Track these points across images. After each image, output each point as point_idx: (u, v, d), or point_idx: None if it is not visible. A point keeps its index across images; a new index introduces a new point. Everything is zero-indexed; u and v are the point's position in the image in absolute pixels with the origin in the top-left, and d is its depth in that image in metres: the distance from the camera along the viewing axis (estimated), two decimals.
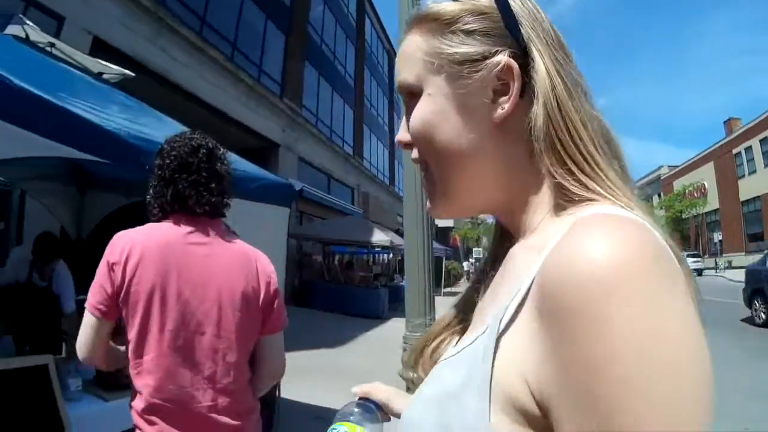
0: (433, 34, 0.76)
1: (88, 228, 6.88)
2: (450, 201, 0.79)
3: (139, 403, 1.86)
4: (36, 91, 2.87)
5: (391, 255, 26.98)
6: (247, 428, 2.03)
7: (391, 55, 39.71)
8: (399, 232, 24.32)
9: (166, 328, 1.84)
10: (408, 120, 0.80)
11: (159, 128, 4.05)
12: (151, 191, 2.03)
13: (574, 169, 0.68)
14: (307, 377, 7.43)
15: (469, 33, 0.73)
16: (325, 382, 7.54)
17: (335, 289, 19.44)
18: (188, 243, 1.95)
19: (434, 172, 0.78)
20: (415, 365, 0.93)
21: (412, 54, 0.78)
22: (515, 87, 0.71)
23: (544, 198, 0.73)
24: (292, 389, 6.10)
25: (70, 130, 3.05)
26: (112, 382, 3.41)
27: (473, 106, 0.73)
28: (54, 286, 4.92)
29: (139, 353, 1.86)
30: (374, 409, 1.04)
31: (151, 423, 1.84)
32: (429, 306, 4.04)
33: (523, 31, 0.72)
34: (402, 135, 0.83)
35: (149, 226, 1.99)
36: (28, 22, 5.30)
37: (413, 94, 0.78)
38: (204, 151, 2.07)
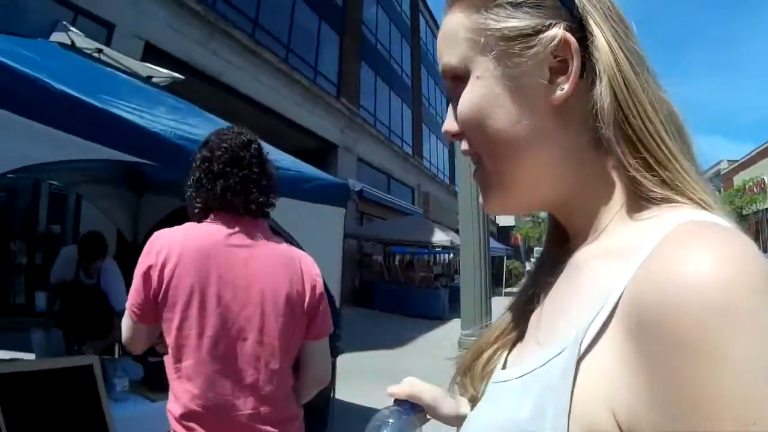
0: (476, 9, 0.68)
1: (144, 230, 6.76)
2: (505, 195, 0.72)
3: (177, 409, 1.81)
4: (77, 95, 2.87)
5: (451, 255, 26.72)
6: None
7: None
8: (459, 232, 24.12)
9: (205, 333, 1.78)
10: (454, 107, 0.74)
11: (208, 129, 3.82)
12: (194, 185, 1.96)
13: (651, 161, 0.62)
14: (364, 379, 7.26)
15: (516, 5, 0.66)
16: (382, 384, 7.10)
17: (395, 289, 19.40)
18: (230, 245, 1.87)
19: (487, 164, 0.71)
20: (465, 377, 0.87)
21: (455, 34, 0.71)
22: (574, 64, 0.64)
23: (612, 194, 0.67)
24: (348, 391, 5.94)
25: (112, 132, 3.02)
26: (160, 382, 3.14)
27: (528, 87, 0.65)
28: (102, 283, 4.87)
29: (178, 358, 1.80)
30: (412, 413, 0.99)
31: (189, 429, 1.78)
32: (485, 308, 3.90)
33: (577, 1, 0.65)
34: (449, 125, 0.75)
35: (189, 226, 1.93)
36: (72, 28, 5.28)
37: (459, 79, 0.71)
38: (255, 146, 2.03)
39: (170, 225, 4.94)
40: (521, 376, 0.63)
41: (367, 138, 22.70)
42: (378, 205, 21.74)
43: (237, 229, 1.90)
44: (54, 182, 7.42)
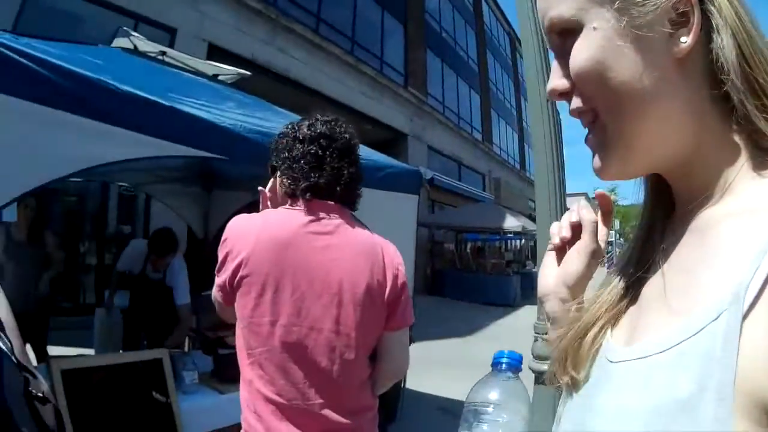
0: None
1: (215, 227, 6.94)
2: (628, 156, 0.68)
3: (247, 395, 1.82)
4: (142, 93, 2.92)
5: (523, 241, 26.46)
6: (363, 426, 1.90)
7: (512, 36, 38.89)
8: (531, 217, 24.51)
9: (279, 322, 1.74)
10: (562, 63, 0.70)
11: (278, 122, 3.91)
12: (294, 167, 1.88)
13: None
14: (435, 368, 7.13)
15: None
16: (452, 373, 7.15)
17: (467, 277, 19.31)
18: (309, 232, 1.81)
19: (607, 122, 0.66)
20: (565, 360, 0.78)
21: None
22: (696, 16, 0.61)
23: (734, 149, 0.65)
24: (418, 380, 5.92)
25: (181, 129, 3.07)
26: (230, 374, 3.35)
27: (650, 39, 0.62)
28: (167, 278, 4.95)
29: (250, 345, 1.78)
30: (516, 385, 0.97)
31: (258, 416, 1.77)
32: None
33: None
34: (557, 82, 0.70)
35: (267, 213, 1.93)
36: (134, 33, 5.35)
37: (569, 32, 0.67)
38: (356, 138, 2.01)
39: None
40: (666, 350, 0.58)
41: (436, 125, 22.56)
42: (449, 192, 21.73)
43: (318, 216, 1.84)
44: (123, 184, 7.64)
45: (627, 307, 0.76)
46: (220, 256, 1.82)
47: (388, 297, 1.88)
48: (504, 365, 1.01)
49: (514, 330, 12.06)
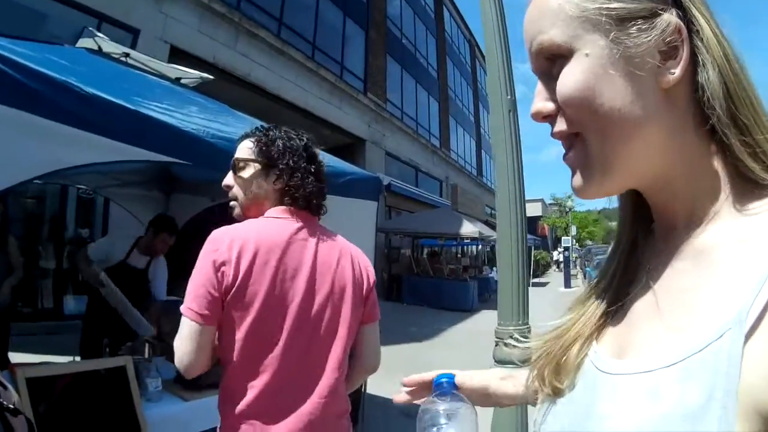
0: None
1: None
2: (610, 176, 0.69)
3: (238, 406, 1.75)
4: (108, 97, 2.88)
5: (480, 246, 26.63)
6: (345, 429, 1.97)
7: (472, 44, 39.30)
8: (488, 223, 25.01)
9: (284, 327, 1.77)
10: (547, 86, 0.72)
11: (240, 127, 3.81)
12: (295, 177, 1.93)
13: (758, 150, 0.64)
14: (395, 372, 6.88)
15: None
16: None
17: (424, 282, 19.28)
18: (300, 239, 1.88)
19: (593, 144, 0.68)
20: (550, 372, 0.81)
21: (560, 10, 0.68)
22: (685, 50, 0.65)
23: (719, 180, 0.67)
24: (378, 385, 5.77)
25: (146, 133, 3.04)
26: (193, 382, 3.22)
27: (641, 69, 0.64)
28: (151, 269, 5.00)
29: (250, 355, 1.75)
30: (461, 397, 1.02)
31: (251, 424, 1.73)
32: (523, 298, 3.84)
33: None
34: (542, 105, 0.72)
35: (256, 222, 1.90)
36: (99, 34, 5.28)
37: (558, 57, 0.69)
38: (316, 147, 2.09)
39: (199, 225, 5.82)
40: (672, 365, 0.61)
41: (395, 132, 22.68)
42: (406, 198, 21.74)
43: (302, 224, 1.91)
44: (81, 186, 7.42)
45: (612, 322, 0.79)
46: (210, 268, 1.71)
47: (364, 295, 2.01)
48: (445, 384, 1.11)
49: (472, 334, 12.22)
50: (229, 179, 2.03)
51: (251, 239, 1.76)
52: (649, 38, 0.64)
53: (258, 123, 4.57)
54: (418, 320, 14.57)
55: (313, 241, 1.90)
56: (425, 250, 23.97)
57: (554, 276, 37.12)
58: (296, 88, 15.32)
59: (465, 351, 9.85)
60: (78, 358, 4.60)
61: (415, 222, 20.36)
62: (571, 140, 0.71)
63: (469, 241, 22.98)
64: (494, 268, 24.12)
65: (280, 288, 1.77)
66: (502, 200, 3.87)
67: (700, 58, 0.65)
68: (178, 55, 10.63)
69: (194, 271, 1.75)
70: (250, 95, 13.32)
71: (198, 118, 3.66)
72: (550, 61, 0.70)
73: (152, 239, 4.89)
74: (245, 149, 2.00)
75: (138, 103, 3.12)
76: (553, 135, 0.73)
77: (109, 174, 5.71)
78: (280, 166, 1.93)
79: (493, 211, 39.93)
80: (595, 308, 0.81)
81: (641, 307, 0.73)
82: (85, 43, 5.14)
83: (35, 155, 2.64)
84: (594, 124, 0.67)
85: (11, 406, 1.37)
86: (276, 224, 1.87)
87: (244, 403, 1.74)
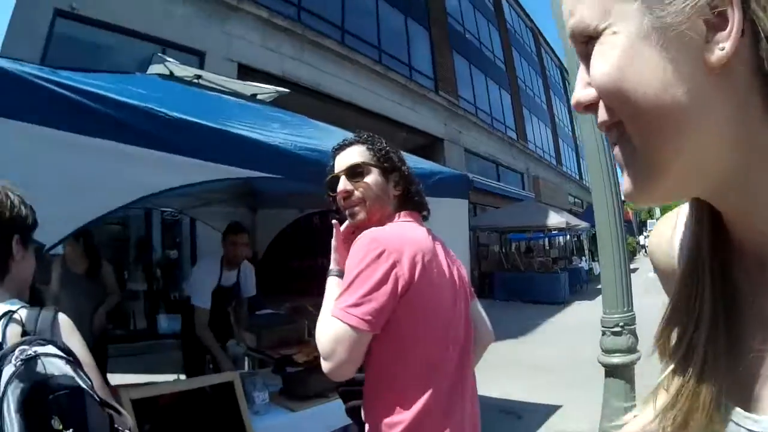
0: None
1: (263, 245, 7.18)
2: (658, 179, 0.56)
3: (413, 408, 1.67)
4: (192, 119, 2.95)
5: (567, 236, 25.92)
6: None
7: (535, 32, 38.69)
8: (572, 212, 25.45)
9: (450, 327, 1.78)
10: (586, 70, 0.59)
11: (323, 138, 4.05)
12: (419, 189, 2.01)
13: None
14: (492, 370, 6.67)
15: None
16: (510, 374, 7.07)
17: (514, 277, 19.02)
18: (432, 239, 1.87)
19: (635, 138, 0.56)
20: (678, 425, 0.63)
21: None
22: (736, 18, 0.49)
23: None
24: (479, 382, 5.48)
25: (234, 151, 3.08)
26: (299, 392, 3.58)
27: (680, 44, 0.51)
28: (241, 279, 5.08)
29: (417, 358, 1.71)
30: None
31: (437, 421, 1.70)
32: (626, 286, 3.89)
33: None
34: (581, 94, 0.60)
35: (401, 225, 1.87)
36: (169, 59, 5.44)
37: (593, 38, 0.57)
38: None
39: (290, 236, 6.95)
40: None
41: (471, 128, 22.29)
42: (489, 194, 21.52)
43: (426, 227, 1.93)
44: (166, 209, 7.67)
45: (730, 372, 0.61)
46: (379, 272, 1.62)
47: (469, 286, 2.02)
48: None
49: (566, 328, 12.09)
50: (346, 185, 1.90)
51: (410, 241, 1.72)
52: (685, 6, 0.50)
53: (339, 131, 4.82)
54: (512, 316, 14.24)
55: (438, 243, 1.89)
56: (513, 245, 23.57)
57: (642, 261, 36.09)
58: (368, 94, 15.43)
59: (560, 345, 9.77)
60: (183, 376, 4.76)
61: (501, 217, 20.12)
62: (616, 133, 0.59)
63: (556, 232, 22.41)
64: (583, 258, 23.55)
65: (437, 290, 1.74)
66: (597, 189, 3.92)
67: (760, 26, 0.49)
68: (246, 72, 10.85)
69: (355, 278, 1.65)
70: (323, 105, 13.30)
71: (282, 132, 3.70)
72: (587, 43, 0.58)
73: (226, 249, 4.89)
74: (360, 154, 1.93)
75: (221, 122, 3.16)
76: (598, 126, 0.62)
77: (193, 195, 5.77)
78: (403, 172, 1.95)
79: (576, 199, 39.46)
80: (707, 358, 0.62)
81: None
82: (156, 69, 5.24)
83: (126, 182, 2.69)
84: (631, 114, 0.55)
85: (127, 431, 1.42)
86: (418, 228, 1.86)
87: (422, 403, 1.67)
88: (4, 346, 1.37)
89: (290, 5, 13.50)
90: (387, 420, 1.69)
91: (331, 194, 1.96)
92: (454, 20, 23.70)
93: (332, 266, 1.97)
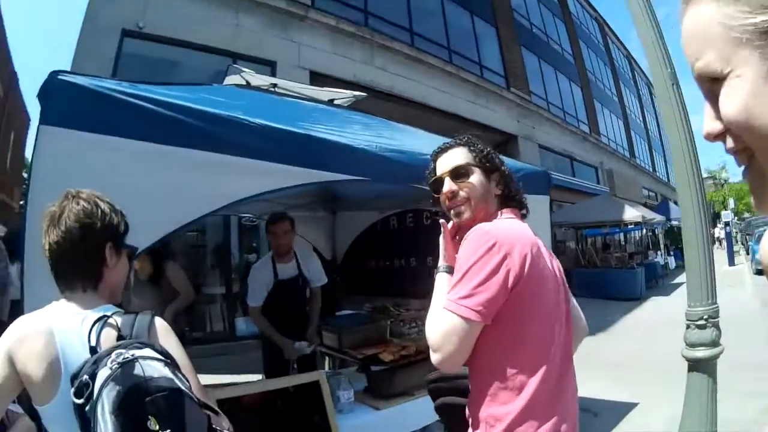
0: (725, 2, 0.61)
1: (342, 248, 7.34)
2: None
3: (509, 402, 1.70)
4: (277, 125, 3.01)
5: (644, 230, 25.05)
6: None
7: (600, 22, 37.43)
8: (647, 206, 24.89)
9: (555, 324, 1.79)
10: (713, 106, 0.67)
11: (405, 139, 4.12)
12: (506, 184, 1.99)
13: None
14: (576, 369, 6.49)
15: None
16: (588, 372, 6.61)
17: (591, 273, 18.46)
18: (533, 235, 1.86)
19: (764, 165, 0.64)
20: None
21: (705, 31, 0.64)
22: None
23: None
24: None
25: (320, 155, 3.13)
26: (384, 391, 3.63)
27: None
28: (300, 265, 5.06)
29: (527, 350, 1.72)
30: None
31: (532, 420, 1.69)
32: (711, 279, 3.85)
33: None
34: (711, 126, 0.69)
35: (506, 220, 1.91)
36: (244, 69, 5.47)
37: (718, 79, 0.64)
38: None
39: (368, 238, 7.09)
40: None
41: (543, 123, 21.89)
42: (565, 189, 21.08)
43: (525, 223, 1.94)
44: (245, 215, 7.74)
45: None
46: (493, 261, 1.66)
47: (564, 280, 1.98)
48: None
49: (643, 324, 11.82)
50: (451, 185, 1.95)
51: (518, 235, 1.76)
52: None
53: (419, 132, 4.99)
54: (590, 312, 13.63)
55: (539, 239, 1.87)
56: (589, 241, 22.89)
57: (717, 254, 34.81)
58: (440, 94, 15.39)
59: (638, 342, 9.60)
60: (258, 377, 4.95)
61: (577, 213, 19.80)
62: (745, 157, 0.68)
63: (632, 226, 21.54)
64: (659, 252, 22.68)
65: (544, 284, 1.76)
66: (681, 179, 3.90)
67: None
68: (318, 79, 10.91)
69: (467, 270, 1.69)
70: (397, 107, 13.33)
71: (364, 134, 3.72)
72: (712, 82, 0.65)
73: (270, 242, 5.03)
74: (463, 156, 1.98)
75: (305, 128, 3.21)
76: (727, 151, 0.70)
77: (273, 201, 5.78)
78: (503, 171, 1.99)
79: (650, 192, 38.17)
80: None
81: None
82: (232, 80, 5.29)
83: (215, 189, 2.78)
84: (760, 145, 0.63)
85: (225, 431, 1.49)
86: (522, 224, 1.90)
87: (529, 395, 1.69)
88: (98, 350, 1.45)
89: (357, 11, 13.56)
90: (494, 411, 1.72)
91: (436, 195, 2.01)
92: (520, 15, 23.29)
93: (441, 263, 1.99)
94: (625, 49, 42.15)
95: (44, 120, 2.40)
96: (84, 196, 1.66)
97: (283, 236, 4.85)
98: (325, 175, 3.15)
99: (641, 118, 41.59)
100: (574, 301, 2.06)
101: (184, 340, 5.30)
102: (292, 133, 3.05)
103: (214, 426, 1.38)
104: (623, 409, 5.78)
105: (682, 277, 20.91)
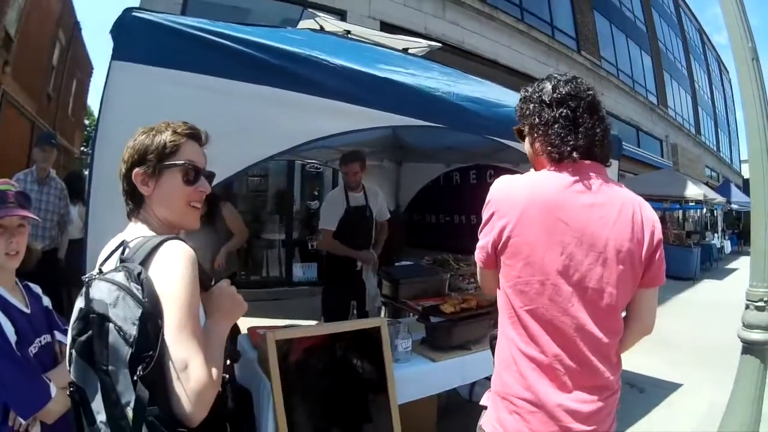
0: None
1: (406, 198, 7.35)
2: None
3: (507, 355, 1.83)
4: (359, 67, 3.00)
5: (703, 210, 24.20)
6: (617, 389, 1.84)
7: None
8: (709, 185, 23.96)
9: (548, 281, 1.71)
10: None
11: (483, 90, 3.99)
12: (550, 132, 1.82)
13: None
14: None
15: None
16: (638, 348, 6.41)
17: None
18: (575, 192, 1.75)
19: None
20: None
21: None
22: None
23: None
24: None
25: (399, 99, 3.09)
26: (441, 343, 3.56)
27: None
28: (369, 198, 5.20)
29: (515, 305, 1.78)
30: None
31: (519, 374, 1.77)
32: None
33: None
34: None
35: (532, 176, 1.86)
36: (319, 14, 5.40)
37: None
38: (598, 93, 1.95)
39: (432, 192, 7.11)
40: None
41: (611, 90, 21.23)
42: (630, 159, 20.50)
43: (581, 176, 1.78)
44: (311, 161, 7.72)
45: None
46: (484, 218, 1.84)
47: (644, 255, 1.79)
48: None
49: (697, 305, 11.51)
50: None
51: (521, 194, 1.75)
52: None
53: (494, 86, 4.81)
54: None
55: (588, 195, 1.76)
56: None
57: None
58: (511, 52, 15.05)
59: (690, 321, 9.43)
60: (313, 323, 4.83)
61: (639, 185, 18.78)
62: None
63: (693, 204, 21.24)
64: (716, 234, 21.94)
65: (545, 244, 1.70)
66: (754, 156, 3.81)
67: None
68: (388, 30, 10.55)
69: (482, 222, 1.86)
70: (467, 62, 12.86)
71: (442, 83, 3.59)
72: None
73: (344, 177, 5.13)
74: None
75: (386, 71, 3.17)
76: None
77: (340, 148, 5.85)
78: (533, 123, 1.88)
79: (712, 172, 36.82)
80: None
81: None
82: (306, 24, 5.26)
83: (295, 127, 2.80)
84: None
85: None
86: (549, 177, 1.80)
87: (512, 355, 1.80)
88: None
89: None
90: (496, 356, 1.92)
91: None
92: None
93: None
94: (698, 22, 40.33)
95: (116, 56, 2.40)
96: (141, 129, 1.66)
97: (353, 175, 5.01)
98: (402, 120, 3.12)
99: (709, 95, 40.00)
100: (649, 295, 1.91)
101: (236, 283, 5.36)
102: (372, 76, 3.02)
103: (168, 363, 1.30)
104: (668, 388, 5.80)
105: (737, 262, 20.26)
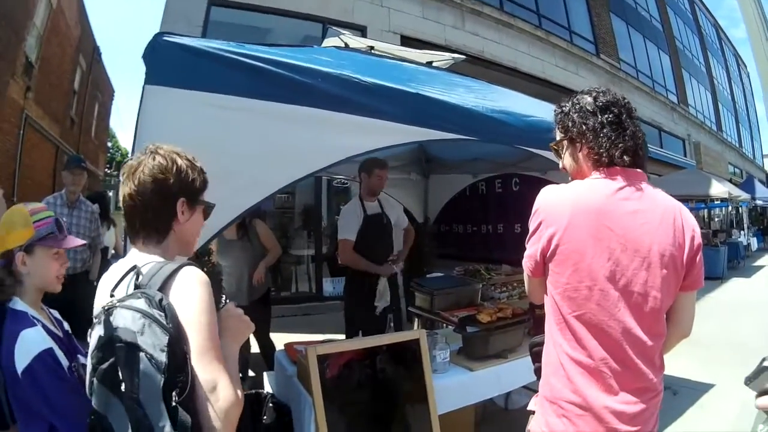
0: None
1: (434, 210, 7.29)
2: None
3: (555, 360, 1.85)
4: (389, 84, 3.02)
5: (729, 207, 23.82)
6: (661, 390, 1.86)
7: None
8: (732, 182, 23.68)
9: (596, 287, 1.75)
10: None
11: (509, 102, 3.99)
12: (600, 138, 1.86)
13: None
14: None
15: None
16: (671, 351, 6.39)
17: None
18: (619, 198, 1.79)
19: None
20: None
21: None
22: None
23: None
24: None
25: (431, 114, 3.11)
26: (480, 353, 3.59)
27: None
28: (385, 208, 5.07)
29: (563, 311, 1.81)
30: None
31: (567, 379, 1.80)
32: None
33: None
34: None
35: (576, 184, 1.89)
36: (343, 31, 5.54)
37: None
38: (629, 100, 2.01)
39: (459, 203, 7.07)
40: None
41: (631, 92, 20.88)
42: (653, 160, 20.02)
43: (625, 182, 1.82)
44: (337, 176, 7.69)
45: None
46: (532, 227, 1.88)
47: (686, 259, 1.83)
48: None
49: (723, 305, 11.38)
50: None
51: (568, 202, 1.79)
52: None
53: (520, 96, 4.78)
54: None
55: (632, 201, 1.80)
56: None
57: None
58: (530, 59, 15.08)
59: (719, 323, 9.14)
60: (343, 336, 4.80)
61: (663, 185, 17.74)
62: None
63: (718, 202, 20.78)
64: (742, 232, 21.61)
65: (593, 250, 1.74)
66: None
67: None
68: (409, 43, 10.79)
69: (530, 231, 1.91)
70: (487, 72, 12.97)
71: (470, 96, 3.64)
72: None
73: (372, 182, 4.94)
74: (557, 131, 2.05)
75: (416, 88, 3.16)
76: None
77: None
78: (576, 132, 1.92)
79: (735, 169, 36.17)
80: None
81: None
82: (331, 42, 5.30)
83: (327, 146, 2.81)
84: None
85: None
86: (594, 185, 1.84)
87: (560, 359, 1.82)
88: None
89: None
90: (543, 361, 1.95)
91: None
92: None
93: None
94: (713, 17, 39.79)
95: (150, 80, 2.45)
96: (162, 151, 1.65)
97: (383, 181, 4.95)
98: (435, 134, 3.12)
99: (729, 90, 39.35)
100: (689, 300, 1.95)
101: (269, 299, 5.36)
102: (402, 92, 3.02)
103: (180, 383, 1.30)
104: (700, 389, 5.77)
105: (763, 260, 19.93)
